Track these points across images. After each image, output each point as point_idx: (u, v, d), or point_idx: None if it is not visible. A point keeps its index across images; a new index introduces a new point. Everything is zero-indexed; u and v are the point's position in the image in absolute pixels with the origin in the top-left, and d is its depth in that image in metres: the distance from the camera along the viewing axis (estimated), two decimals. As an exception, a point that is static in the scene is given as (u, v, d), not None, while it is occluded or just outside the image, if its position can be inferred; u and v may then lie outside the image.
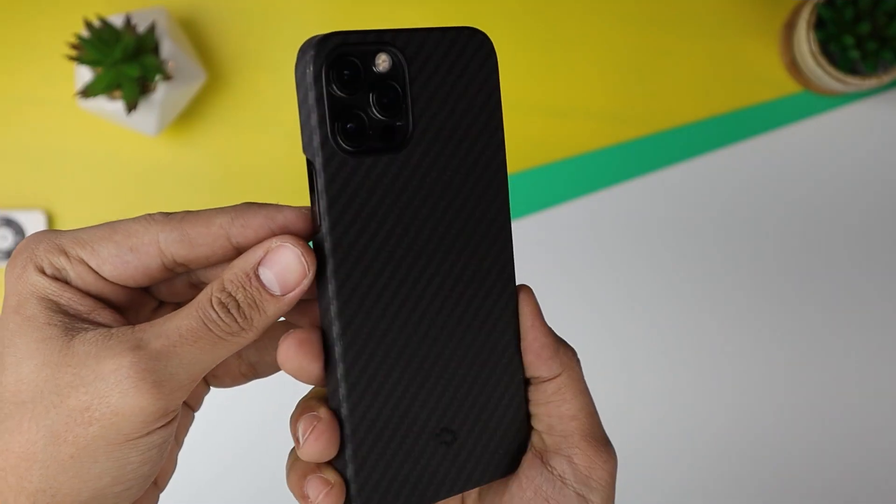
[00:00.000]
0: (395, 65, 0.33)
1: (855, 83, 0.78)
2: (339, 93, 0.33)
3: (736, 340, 0.86)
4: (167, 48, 0.76)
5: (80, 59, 0.73)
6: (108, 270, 0.33)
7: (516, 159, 0.85)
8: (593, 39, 0.85)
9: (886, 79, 0.79)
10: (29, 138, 0.84)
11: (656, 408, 0.86)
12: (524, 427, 0.38)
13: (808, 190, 0.86)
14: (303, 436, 0.34)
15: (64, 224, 0.84)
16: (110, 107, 0.76)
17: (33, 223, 0.83)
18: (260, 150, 0.84)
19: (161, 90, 0.76)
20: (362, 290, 0.34)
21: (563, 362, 0.38)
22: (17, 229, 0.83)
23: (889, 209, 0.86)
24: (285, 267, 0.32)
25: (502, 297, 0.37)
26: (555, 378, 0.38)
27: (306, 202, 0.85)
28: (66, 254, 0.33)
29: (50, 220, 0.84)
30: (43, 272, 0.33)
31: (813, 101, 0.86)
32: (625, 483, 0.86)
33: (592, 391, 0.86)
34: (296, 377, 0.34)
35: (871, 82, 0.79)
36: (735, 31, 0.85)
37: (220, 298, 0.32)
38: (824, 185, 0.86)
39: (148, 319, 0.36)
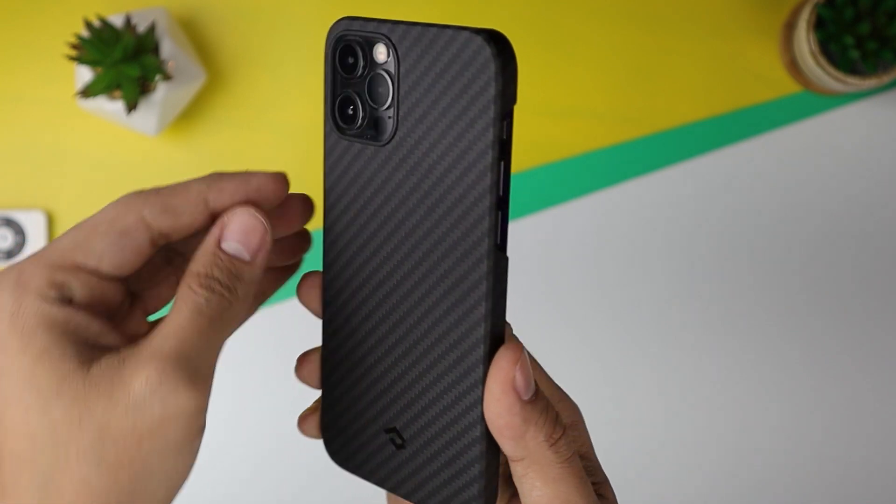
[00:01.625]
0: (389, 57, 0.33)
1: (855, 83, 0.78)
2: (342, 74, 0.34)
3: (735, 340, 0.86)
4: (167, 48, 0.76)
5: (80, 59, 0.73)
6: (107, 264, 0.33)
7: (516, 159, 0.85)
8: (594, 39, 0.85)
9: (886, 79, 0.79)
10: (29, 138, 0.84)
11: (654, 409, 0.86)
12: (482, 487, 0.34)
13: (808, 190, 0.86)
14: (297, 361, 0.38)
15: (64, 224, 0.84)
16: (110, 107, 0.76)
17: (33, 223, 0.83)
18: (260, 150, 0.84)
19: (161, 90, 0.76)
20: (342, 268, 0.36)
21: (530, 448, 0.32)
22: (17, 229, 0.83)
23: (889, 209, 0.86)
24: (244, 230, 0.33)
25: (471, 335, 0.33)
26: (520, 460, 0.33)
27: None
28: (61, 266, 0.32)
29: (50, 219, 0.84)
30: (43, 297, 0.32)
31: (813, 101, 0.86)
32: None
33: (589, 389, 0.86)
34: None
35: (871, 82, 0.79)
36: (735, 31, 0.85)
37: (200, 282, 0.33)
38: (824, 185, 0.86)
39: (140, 329, 0.36)
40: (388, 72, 0.33)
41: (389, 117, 0.33)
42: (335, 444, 0.38)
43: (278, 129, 0.84)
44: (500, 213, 0.32)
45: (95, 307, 0.33)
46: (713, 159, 0.86)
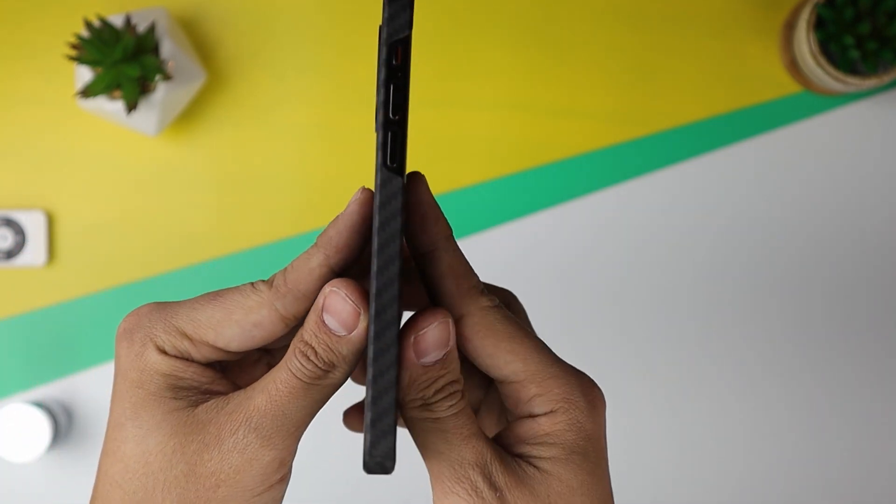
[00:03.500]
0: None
1: (855, 83, 0.79)
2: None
3: (735, 339, 0.86)
4: (167, 48, 0.76)
5: (80, 59, 0.73)
6: (235, 346, 0.36)
7: (516, 159, 0.85)
8: (594, 39, 0.85)
9: (886, 79, 0.79)
10: (29, 138, 0.84)
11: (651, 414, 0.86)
12: (369, 431, 0.32)
13: (808, 190, 0.86)
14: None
15: (64, 224, 0.84)
16: (110, 107, 0.76)
17: (33, 223, 0.83)
18: (260, 150, 0.84)
19: (161, 90, 0.76)
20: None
21: (407, 403, 0.35)
22: (17, 229, 0.83)
23: (890, 209, 0.86)
24: (339, 311, 0.34)
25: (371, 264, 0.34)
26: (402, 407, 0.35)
27: (305, 201, 0.85)
28: (188, 338, 0.35)
29: (50, 220, 0.84)
30: (164, 352, 0.35)
31: (813, 101, 0.86)
32: None
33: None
34: None
35: (871, 82, 0.79)
36: (735, 31, 0.85)
37: (300, 349, 0.35)
38: (824, 185, 0.86)
39: (254, 366, 0.40)
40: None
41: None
42: None
43: (278, 129, 0.84)
44: (388, 132, 0.32)
45: (213, 365, 0.36)
46: (713, 159, 0.86)
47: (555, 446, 0.35)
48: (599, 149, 0.85)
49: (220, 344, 0.35)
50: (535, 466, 0.35)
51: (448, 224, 0.36)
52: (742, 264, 0.86)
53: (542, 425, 0.35)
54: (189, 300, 0.36)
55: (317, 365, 0.34)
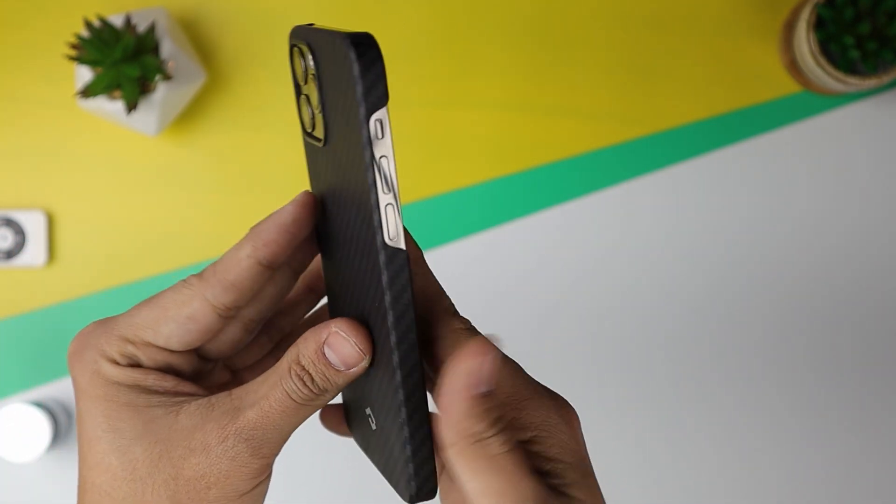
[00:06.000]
0: (314, 61, 0.35)
1: (855, 83, 0.78)
2: (294, 80, 0.37)
3: (734, 337, 0.86)
4: (167, 48, 0.76)
5: (80, 59, 0.73)
6: (175, 343, 0.36)
7: (516, 159, 0.85)
8: (593, 39, 0.85)
9: (886, 79, 0.79)
10: (29, 138, 0.84)
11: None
12: (411, 463, 0.35)
13: (808, 190, 0.86)
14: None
15: (64, 224, 0.84)
16: (110, 107, 0.76)
17: (33, 223, 0.83)
18: (260, 150, 0.84)
19: (161, 90, 0.76)
20: (325, 263, 0.39)
21: (459, 441, 0.34)
22: (18, 229, 0.83)
23: (890, 209, 0.86)
24: (342, 352, 0.36)
25: (383, 326, 0.35)
26: (450, 447, 0.34)
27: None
28: (131, 342, 0.36)
29: (50, 220, 0.84)
30: (117, 363, 0.36)
31: (813, 101, 0.86)
32: None
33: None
34: None
35: (871, 82, 0.79)
36: (735, 31, 0.85)
37: (297, 372, 0.36)
38: (824, 185, 0.86)
39: (220, 379, 0.41)
40: (316, 75, 0.35)
41: (323, 118, 0.35)
42: (350, 419, 0.41)
43: (278, 129, 0.84)
44: (387, 208, 0.33)
45: (165, 371, 0.37)
46: (713, 159, 0.86)
47: (569, 470, 0.36)
48: (599, 149, 0.85)
49: (161, 342, 0.36)
50: (567, 495, 0.36)
51: (417, 246, 0.37)
52: (742, 264, 0.86)
53: (545, 450, 0.36)
54: (129, 309, 0.37)
55: (311, 390, 0.36)
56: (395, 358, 0.34)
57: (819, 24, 0.79)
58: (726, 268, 0.86)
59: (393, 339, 0.34)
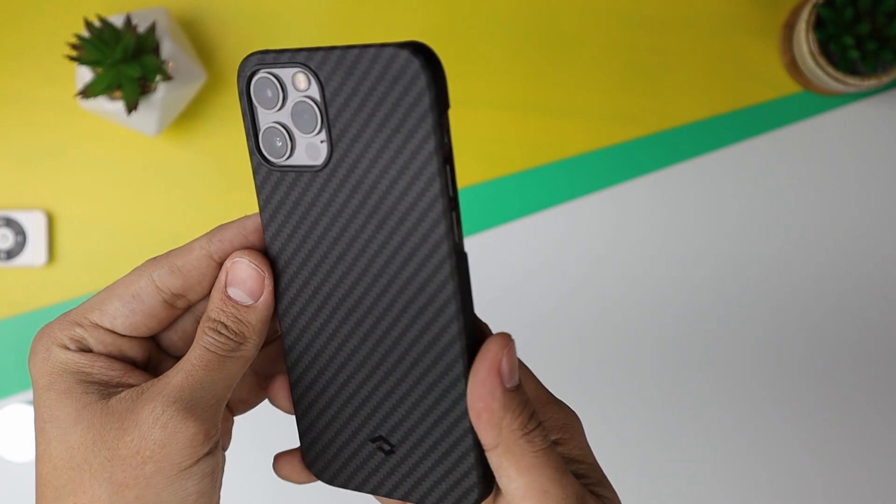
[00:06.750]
0: (311, 84, 0.34)
1: (855, 83, 0.79)
2: (262, 109, 0.35)
3: (734, 336, 0.86)
4: (167, 48, 0.76)
5: (80, 60, 0.73)
6: (120, 324, 0.36)
7: (516, 159, 0.85)
8: (593, 39, 0.85)
9: (886, 79, 0.79)
10: (29, 138, 0.84)
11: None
12: (480, 475, 0.35)
13: (808, 190, 0.86)
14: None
15: (64, 224, 0.84)
16: (110, 107, 0.76)
17: (33, 223, 0.83)
18: (260, 150, 0.84)
19: (161, 90, 0.76)
20: (296, 294, 0.37)
21: (504, 436, 0.33)
22: (18, 229, 0.83)
23: (890, 209, 0.86)
24: (244, 279, 0.36)
25: (445, 334, 0.34)
26: (494, 448, 0.34)
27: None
28: (79, 324, 0.36)
29: (50, 220, 0.84)
30: (66, 347, 0.36)
31: (813, 101, 0.86)
32: None
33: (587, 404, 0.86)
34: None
35: (870, 82, 0.79)
36: (735, 31, 0.85)
37: (209, 325, 0.36)
38: (824, 185, 0.86)
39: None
40: (311, 98, 0.34)
41: (322, 141, 0.35)
42: (320, 463, 0.39)
43: (278, 129, 0.84)
44: (453, 213, 0.33)
45: (115, 357, 0.37)
46: (713, 159, 0.86)
47: (592, 470, 0.36)
48: (599, 149, 0.85)
49: (107, 322, 0.36)
50: (598, 495, 0.36)
51: None
52: (742, 264, 0.86)
53: (569, 451, 0.36)
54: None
55: (228, 337, 0.36)
56: (464, 362, 0.34)
57: (819, 25, 0.79)
58: (726, 268, 0.86)
59: (462, 342, 0.34)
